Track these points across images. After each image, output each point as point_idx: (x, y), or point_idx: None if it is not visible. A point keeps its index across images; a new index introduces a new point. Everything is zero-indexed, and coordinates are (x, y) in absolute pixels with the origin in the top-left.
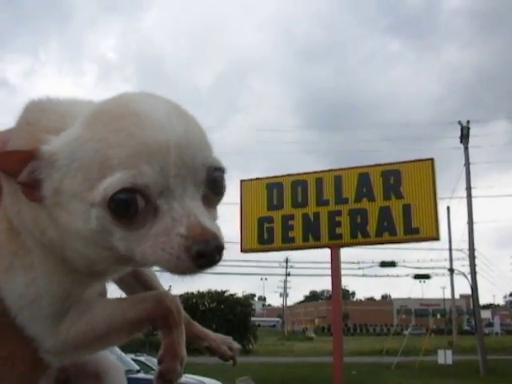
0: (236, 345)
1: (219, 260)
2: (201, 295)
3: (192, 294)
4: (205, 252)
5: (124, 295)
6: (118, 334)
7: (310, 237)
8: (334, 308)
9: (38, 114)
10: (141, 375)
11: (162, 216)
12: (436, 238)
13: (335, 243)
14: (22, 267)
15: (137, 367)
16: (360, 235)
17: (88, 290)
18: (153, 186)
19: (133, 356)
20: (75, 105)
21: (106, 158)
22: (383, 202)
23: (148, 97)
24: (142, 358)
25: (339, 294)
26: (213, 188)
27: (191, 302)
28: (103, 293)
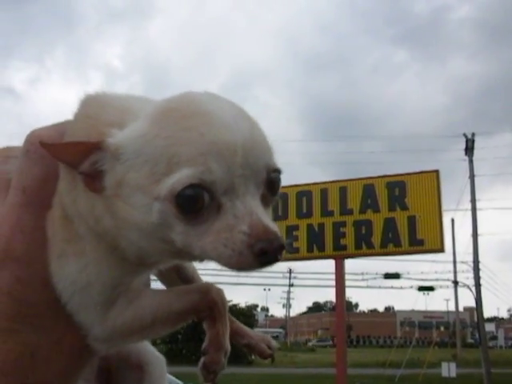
0: (274, 343)
1: (279, 258)
2: None
3: None
4: (268, 250)
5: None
6: (164, 324)
7: (315, 247)
8: (338, 319)
9: (97, 109)
10: None
11: (224, 213)
12: (441, 249)
13: (340, 254)
14: (73, 254)
15: None
16: (364, 246)
17: (136, 280)
18: (219, 184)
19: None
20: (133, 100)
21: (175, 154)
22: (388, 213)
23: (214, 98)
24: None
25: (343, 305)
26: (271, 188)
27: None
28: (147, 283)
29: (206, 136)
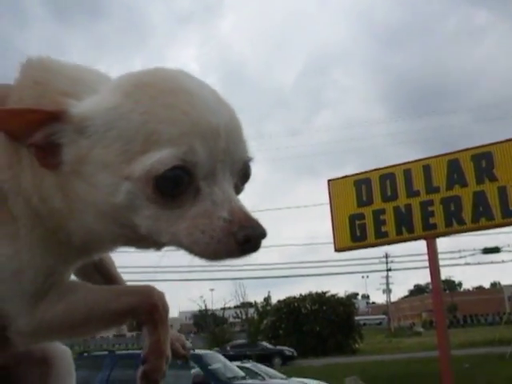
0: (189, 344)
1: (260, 247)
2: (302, 298)
3: (294, 297)
4: (251, 237)
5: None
6: (97, 323)
7: (404, 230)
8: (435, 300)
9: (46, 74)
10: (247, 381)
11: (202, 199)
12: None
13: (430, 234)
14: (5, 237)
15: (242, 374)
16: (455, 223)
17: (70, 270)
18: (201, 167)
19: (239, 363)
20: (84, 70)
21: (154, 132)
22: (476, 186)
23: (190, 76)
24: (248, 365)
25: (439, 286)
26: (243, 178)
27: (293, 305)
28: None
29: (190, 115)
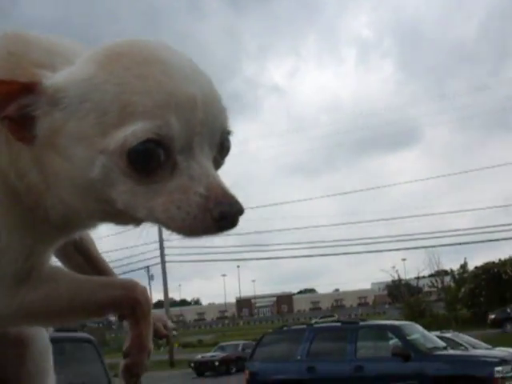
0: (170, 323)
1: (237, 224)
2: (502, 263)
3: (493, 262)
4: (228, 214)
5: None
6: (79, 312)
7: None
8: None
9: (21, 46)
10: (448, 352)
11: (179, 173)
12: None
13: None
14: None
15: (443, 344)
16: None
17: (50, 250)
18: (177, 140)
19: (438, 333)
20: (62, 43)
21: (129, 103)
22: None
23: (167, 46)
24: (449, 335)
25: None
26: (222, 151)
27: (493, 271)
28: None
29: (165, 86)
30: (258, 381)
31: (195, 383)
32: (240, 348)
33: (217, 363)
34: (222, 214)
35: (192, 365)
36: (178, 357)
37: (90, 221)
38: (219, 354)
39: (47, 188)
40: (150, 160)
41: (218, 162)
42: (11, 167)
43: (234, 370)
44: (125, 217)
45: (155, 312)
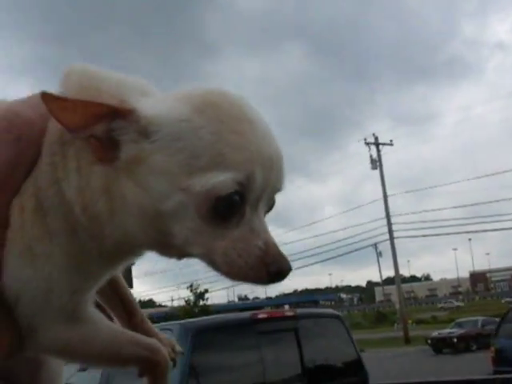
0: (179, 348)
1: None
2: None
3: None
4: (283, 271)
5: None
6: (105, 360)
7: None
8: None
9: (92, 80)
10: None
11: (243, 223)
12: None
13: None
14: (40, 255)
15: None
16: None
17: (95, 288)
18: (253, 194)
19: None
20: (128, 77)
21: (220, 154)
22: None
23: (250, 105)
24: None
25: None
26: (270, 208)
27: None
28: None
29: (253, 144)
30: (505, 358)
31: (434, 361)
32: (479, 324)
33: (455, 340)
34: (278, 270)
35: (429, 341)
36: (413, 333)
37: (141, 249)
38: (457, 331)
39: (110, 215)
40: (231, 210)
41: (264, 215)
42: (78, 198)
43: (474, 347)
44: (175, 250)
45: (164, 336)
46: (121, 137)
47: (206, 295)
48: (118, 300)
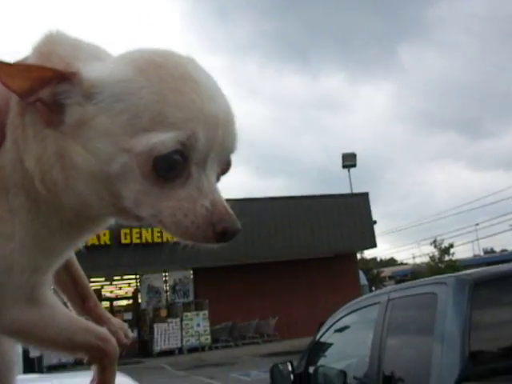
0: (131, 333)
1: (232, 240)
2: None
3: None
4: (229, 231)
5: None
6: (56, 346)
7: None
8: None
9: (49, 45)
10: None
11: (190, 183)
12: None
13: None
14: (2, 234)
15: None
16: None
17: (54, 267)
18: (197, 153)
19: None
20: (86, 42)
21: (161, 113)
22: None
23: (198, 65)
24: None
25: None
26: (224, 170)
27: None
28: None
29: (195, 103)
30: None
31: None
32: None
33: None
34: (224, 229)
35: None
36: None
37: (99, 218)
38: None
39: (66, 183)
40: (172, 169)
41: (218, 178)
42: (37, 167)
43: None
44: (127, 214)
45: (119, 321)
46: (66, 100)
47: (451, 250)
48: (72, 284)
